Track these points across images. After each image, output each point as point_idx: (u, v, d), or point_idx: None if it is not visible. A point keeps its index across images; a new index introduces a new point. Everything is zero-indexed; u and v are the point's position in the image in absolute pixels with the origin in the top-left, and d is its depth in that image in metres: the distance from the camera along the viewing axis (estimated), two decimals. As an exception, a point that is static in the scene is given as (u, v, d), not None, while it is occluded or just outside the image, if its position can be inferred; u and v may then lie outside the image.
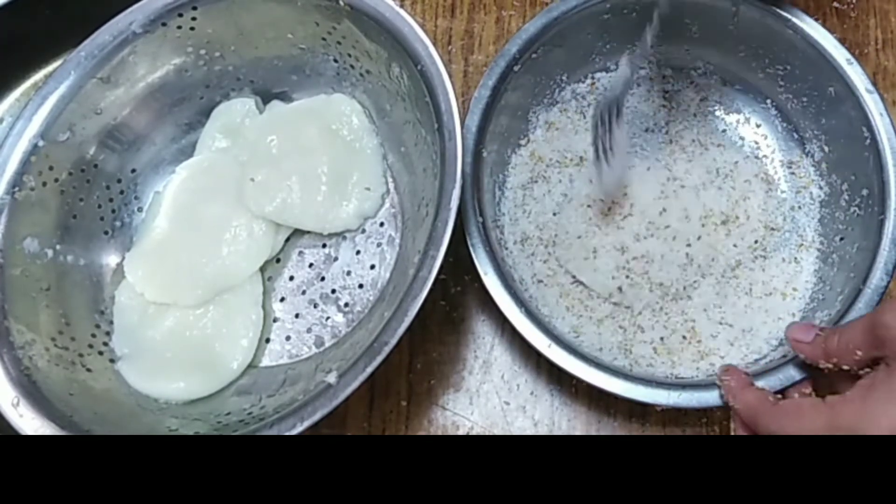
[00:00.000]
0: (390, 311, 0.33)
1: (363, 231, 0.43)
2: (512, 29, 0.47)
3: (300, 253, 0.44)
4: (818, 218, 0.41)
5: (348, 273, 0.42)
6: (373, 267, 0.42)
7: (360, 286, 0.42)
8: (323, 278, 0.43)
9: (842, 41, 0.39)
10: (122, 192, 0.43)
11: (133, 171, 0.44)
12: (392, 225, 0.43)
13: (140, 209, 0.44)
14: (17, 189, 0.38)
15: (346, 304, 0.42)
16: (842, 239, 0.40)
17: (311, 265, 0.43)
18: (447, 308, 0.42)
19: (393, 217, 0.43)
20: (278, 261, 0.43)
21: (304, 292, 0.42)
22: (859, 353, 0.30)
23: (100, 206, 0.42)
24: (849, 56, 0.39)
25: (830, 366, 0.32)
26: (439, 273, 0.33)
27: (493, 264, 0.37)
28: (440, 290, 0.42)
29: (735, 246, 0.41)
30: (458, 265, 0.41)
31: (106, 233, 0.43)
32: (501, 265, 0.38)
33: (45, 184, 0.39)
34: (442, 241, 0.33)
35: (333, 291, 0.42)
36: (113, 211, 0.43)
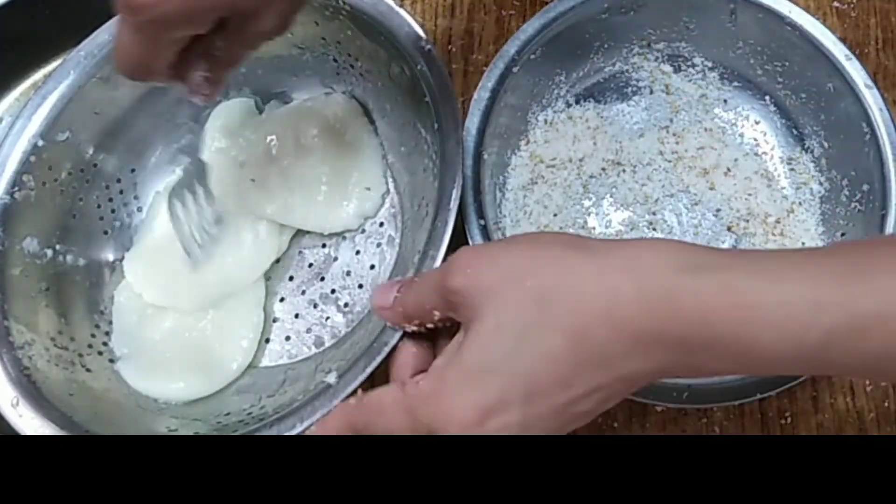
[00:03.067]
0: (390, 312, 0.33)
1: (363, 231, 0.43)
2: (512, 28, 0.47)
3: (300, 253, 0.43)
4: (819, 214, 0.41)
5: (348, 273, 0.42)
6: (372, 267, 0.42)
7: (360, 286, 0.42)
8: (323, 278, 0.42)
9: (842, 40, 0.39)
10: (121, 192, 0.43)
11: (133, 170, 0.44)
12: (392, 225, 0.43)
13: (140, 209, 0.44)
14: (16, 189, 0.38)
15: (346, 305, 0.42)
16: (843, 234, 0.40)
17: (310, 265, 0.43)
18: (447, 308, 0.42)
19: (393, 217, 0.43)
20: (278, 261, 0.43)
21: (303, 292, 0.42)
22: (436, 313, 0.28)
23: (99, 206, 0.42)
24: (847, 52, 0.39)
25: (416, 328, 0.29)
26: (439, 272, 0.33)
27: None
28: (440, 289, 0.42)
29: (736, 244, 0.41)
30: (458, 265, 0.41)
31: (105, 233, 0.43)
32: None
33: (44, 183, 0.39)
34: (442, 242, 0.33)
35: (333, 291, 0.42)
36: (112, 211, 0.43)
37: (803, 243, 0.41)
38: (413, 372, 0.29)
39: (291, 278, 0.43)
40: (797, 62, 0.41)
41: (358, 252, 0.43)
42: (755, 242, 0.41)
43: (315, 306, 0.42)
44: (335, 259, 0.43)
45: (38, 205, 0.39)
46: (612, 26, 0.43)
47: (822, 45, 0.39)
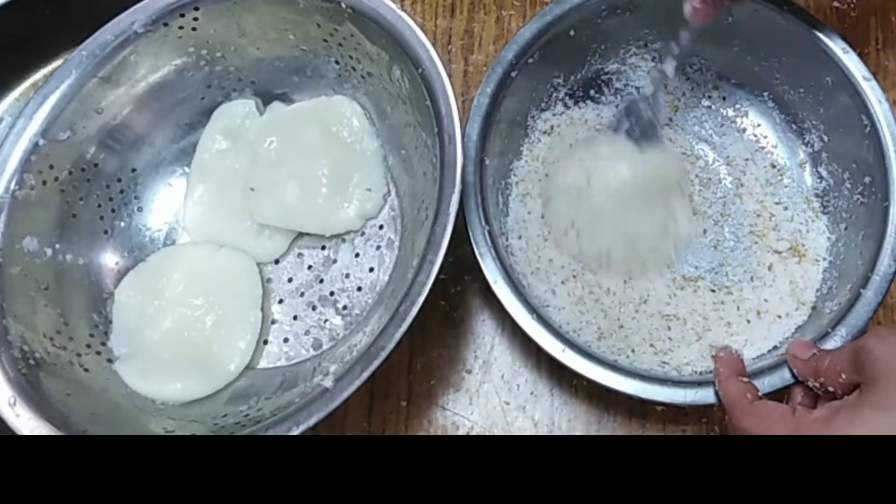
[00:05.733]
0: (388, 315, 0.33)
1: (362, 234, 0.43)
2: (512, 29, 0.48)
3: (299, 255, 0.43)
4: (821, 207, 0.41)
5: (347, 276, 0.42)
6: (371, 270, 0.42)
7: (359, 289, 0.42)
8: (322, 280, 0.42)
9: (842, 38, 0.39)
10: (122, 192, 0.43)
11: (133, 170, 0.44)
12: (391, 228, 0.43)
13: (140, 209, 0.44)
14: (17, 187, 0.38)
15: (345, 307, 0.41)
16: (846, 228, 0.40)
17: (309, 267, 0.43)
18: (447, 308, 0.42)
19: (392, 220, 0.43)
20: (277, 262, 0.43)
21: (302, 294, 0.42)
22: (843, 375, 0.31)
23: (99, 206, 0.42)
24: (844, 45, 0.39)
25: (818, 385, 0.33)
26: (439, 274, 0.33)
27: (502, 272, 0.37)
28: (440, 290, 0.42)
29: (739, 241, 0.41)
30: (459, 265, 0.41)
31: (105, 232, 0.42)
32: (510, 272, 0.37)
33: (45, 182, 0.39)
34: (441, 246, 0.33)
35: (332, 294, 0.42)
36: (113, 210, 0.43)
37: (805, 238, 0.41)
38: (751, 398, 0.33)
39: (290, 280, 0.43)
40: (794, 57, 0.41)
41: (357, 255, 0.43)
42: (758, 239, 0.41)
43: (314, 308, 0.42)
44: (334, 261, 0.43)
45: (38, 204, 0.39)
46: (608, 27, 0.43)
47: (819, 40, 0.39)
